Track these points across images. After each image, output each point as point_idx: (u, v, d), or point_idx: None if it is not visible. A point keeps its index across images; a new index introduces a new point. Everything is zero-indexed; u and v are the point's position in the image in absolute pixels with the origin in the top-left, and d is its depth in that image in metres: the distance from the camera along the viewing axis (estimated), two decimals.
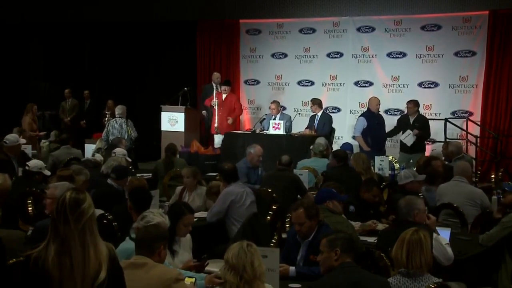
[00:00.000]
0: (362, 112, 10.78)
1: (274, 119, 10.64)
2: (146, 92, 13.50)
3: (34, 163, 6.62)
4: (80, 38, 14.32)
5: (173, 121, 11.01)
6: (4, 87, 14.21)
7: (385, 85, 11.72)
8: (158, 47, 13.65)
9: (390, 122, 11.43)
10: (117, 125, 10.11)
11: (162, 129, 11.14)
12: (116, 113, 10.33)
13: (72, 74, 14.27)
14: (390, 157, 9.15)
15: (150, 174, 8.41)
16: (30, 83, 14.60)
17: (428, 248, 3.77)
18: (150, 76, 13.77)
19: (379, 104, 10.16)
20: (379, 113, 10.20)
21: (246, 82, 13.27)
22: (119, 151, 8.18)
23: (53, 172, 6.57)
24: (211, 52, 13.42)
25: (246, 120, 13.11)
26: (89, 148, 10.35)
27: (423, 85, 11.54)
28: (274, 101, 11.01)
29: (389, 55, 11.78)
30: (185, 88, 11.48)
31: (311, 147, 8.73)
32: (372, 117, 9.96)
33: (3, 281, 2.87)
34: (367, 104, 10.55)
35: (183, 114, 10.96)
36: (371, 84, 11.88)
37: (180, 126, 10.95)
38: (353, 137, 10.58)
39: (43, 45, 14.87)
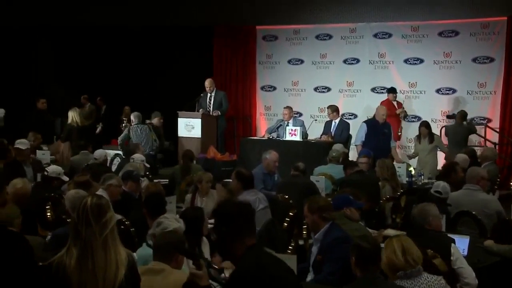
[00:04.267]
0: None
1: (288, 125, 10.63)
2: (162, 98, 13.54)
3: (52, 169, 6.68)
4: (95, 43, 14.36)
5: (189, 127, 11.02)
6: (17, 93, 14.28)
7: (402, 91, 11.66)
8: (175, 53, 13.69)
9: (409, 128, 11.41)
10: (139, 132, 10.17)
11: (179, 135, 11.15)
12: (136, 121, 10.35)
13: (86, 80, 14.34)
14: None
15: (167, 180, 8.44)
16: (44, 89, 14.65)
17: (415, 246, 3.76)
18: (166, 81, 13.82)
19: (386, 115, 9.96)
20: (386, 122, 10.00)
21: (262, 88, 13.29)
22: (138, 156, 8.21)
23: (71, 178, 6.62)
24: (227, 58, 13.47)
25: (263, 126, 13.10)
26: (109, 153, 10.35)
27: (441, 91, 11.47)
28: (286, 107, 10.97)
29: (406, 61, 11.75)
30: (202, 94, 11.51)
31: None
32: (375, 125, 9.70)
33: (33, 281, 2.92)
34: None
35: (199, 120, 10.97)
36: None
37: (196, 132, 10.96)
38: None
39: (55, 49, 14.90)
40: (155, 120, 11.04)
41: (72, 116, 10.47)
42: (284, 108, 10.92)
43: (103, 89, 14.03)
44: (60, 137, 10.92)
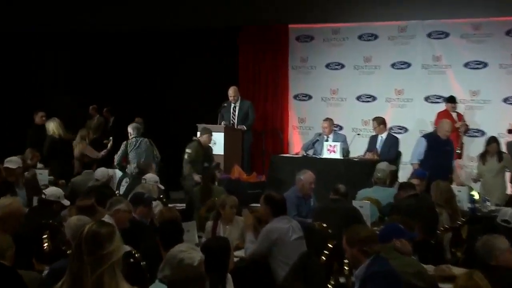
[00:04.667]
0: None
1: (327, 140, 10.58)
2: (179, 109, 13.59)
3: (51, 191, 6.71)
4: (102, 49, 14.48)
5: (211, 142, 11.00)
6: (15, 104, 14.44)
7: (463, 101, 11.52)
8: (194, 57, 13.73)
9: (470, 145, 11.21)
10: (137, 146, 10.19)
11: None
12: (134, 133, 10.36)
13: (92, 88, 14.44)
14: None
15: (184, 205, 8.41)
16: (45, 100, 14.79)
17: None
18: (184, 90, 13.87)
19: (450, 131, 9.90)
20: (448, 138, 9.91)
21: (296, 97, 13.26)
22: (150, 177, 8.22)
23: (72, 202, 6.64)
24: (255, 62, 13.48)
25: (296, 141, 13.05)
26: (117, 174, 10.40)
27: (509, 100, 11.31)
28: (326, 119, 10.96)
29: (466, 65, 11.61)
30: (225, 104, 11.53)
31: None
32: (436, 140, 9.69)
33: None
34: (434, 124, 10.42)
35: (222, 134, 10.98)
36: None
37: (219, 148, 10.95)
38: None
39: (58, 57, 15.04)
40: (203, 138, 10.54)
41: (52, 128, 10.46)
42: (324, 120, 10.89)
43: (111, 99, 14.12)
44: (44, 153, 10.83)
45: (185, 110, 13.27)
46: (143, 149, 10.23)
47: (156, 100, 14.01)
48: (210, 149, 10.71)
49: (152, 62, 14.13)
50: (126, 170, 10.18)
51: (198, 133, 11.07)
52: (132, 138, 10.32)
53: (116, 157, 10.41)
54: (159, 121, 13.22)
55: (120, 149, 10.40)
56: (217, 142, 10.96)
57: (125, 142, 10.43)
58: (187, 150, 10.45)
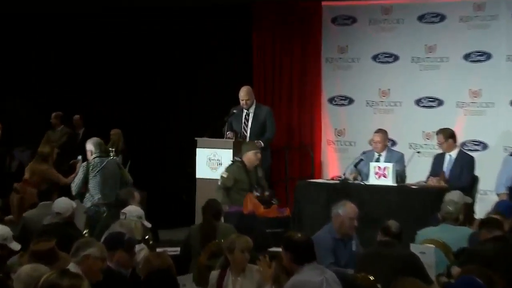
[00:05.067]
0: None
1: (378, 160, 10.59)
2: (173, 118, 13.64)
3: None
4: (70, 35, 14.58)
5: (215, 162, 11.06)
6: None
7: None
8: (193, 48, 13.80)
9: None
10: (101, 168, 10.26)
11: (198, 176, 11.24)
12: (97, 151, 10.42)
13: (57, 89, 14.51)
14: None
15: (178, 249, 8.42)
16: None
17: None
18: (179, 92, 13.93)
19: None
20: None
21: (331, 100, 13.30)
22: (133, 210, 8.18)
23: (25, 245, 6.63)
24: (275, 53, 13.53)
25: (332, 161, 13.10)
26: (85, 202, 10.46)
27: None
28: (379, 131, 10.94)
29: None
30: (234, 111, 11.54)
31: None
32: None
33: None
34: None
35: (230, 151, 11.01)
36: None
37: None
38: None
39: (11, 45, 15.18)
40: (248, 155, 10.60)
41: None
42: (375, 132, 10.91)
43: (81, 104, 14.21)
44: None
45: (181, 119, 13.32)
46: (111, 171, 10.29)
47: (141, 106, 14.08)
48: (260, 170, 10.83)
49: (136, 54, 14.21)
50: (85, 200, 10.22)
51: (199, 148, 11.12)
52: (94, 158, 10.39)
53: (74, 186, 10.49)
54: (146, 135, 13.25)
55: (79, 174, 10.54)
56: (224, 163, 10.99)
57: (84, 164, 10.55)
58: (222, 174, 10.56)
